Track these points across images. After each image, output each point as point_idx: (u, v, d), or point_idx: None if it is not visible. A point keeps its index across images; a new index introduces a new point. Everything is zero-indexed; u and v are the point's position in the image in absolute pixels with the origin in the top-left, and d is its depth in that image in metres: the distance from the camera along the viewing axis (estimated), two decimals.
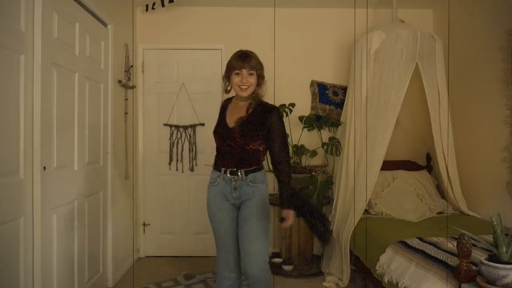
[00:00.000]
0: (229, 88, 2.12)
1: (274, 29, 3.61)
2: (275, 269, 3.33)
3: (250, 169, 2.02)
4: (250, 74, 2.00)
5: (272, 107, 2.05)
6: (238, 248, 2.07)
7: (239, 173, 2.01)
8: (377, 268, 2.39)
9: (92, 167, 2.75)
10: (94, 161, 2.79)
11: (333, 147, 3.34)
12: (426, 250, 2.19)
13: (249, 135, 1.99)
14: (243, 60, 1.99)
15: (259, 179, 2.04)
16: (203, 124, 3.80)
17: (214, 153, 2.15)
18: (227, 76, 2.08)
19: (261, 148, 2.04)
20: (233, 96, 2.17)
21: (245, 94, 2.03)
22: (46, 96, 2.12)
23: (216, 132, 2.11)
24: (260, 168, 2.07)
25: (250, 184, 2.02)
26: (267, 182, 2.09)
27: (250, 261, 1.98)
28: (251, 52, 2.05)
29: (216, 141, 2.11)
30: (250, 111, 2.04)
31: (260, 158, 2.07)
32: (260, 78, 2.06)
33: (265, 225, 2.02)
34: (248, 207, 2.02)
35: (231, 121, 2.07)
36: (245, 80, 1.99)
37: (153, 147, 3.82)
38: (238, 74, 2.00)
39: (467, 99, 3.29)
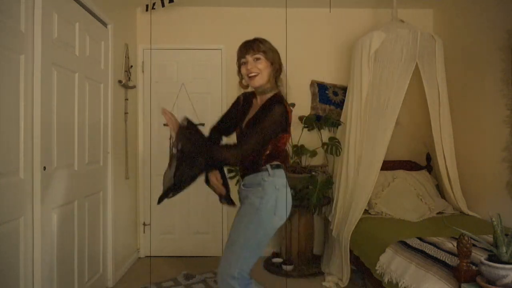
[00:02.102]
0: (245, 84, 1.89)
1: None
2: (275, 269, 3.34)
3: (247, 172, 1.83)
4: (257, 59, 1.77)
5: (276, 100, 1.75)
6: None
7: (242, 177, 1.87)
8: (377, 268, 2.39)
9: (92, 167, 2.75)
10: (94, 161, 2.78)
11: (333, 147, 3.34)
12: (426, 250, 2.19)
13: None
14: (246, 45, 1.81)
15: (255, 181, 1.79)
16: (203, 124, 3.78)
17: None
18: (239, 71, 1.87)
19: (265, 151, 1.78)
20: None
21: (255, 83, 1.79)
22: (46, 96, 2.12)
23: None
24: (259, 170, 1.78)
25: (243, 188, 1.85)
26: (265, 185, 1.76)
27: (219, 269, 1.77)
28: (259, 37, 1.85)
29: None
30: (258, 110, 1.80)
31: (258, 160, 1.78)
32: (274, 63, 1.80)
33: (246, 235, 1.74)
34: (238, 212, 1.87)
35: (244, 121, 1.88)
36: (250, 66, 1.77)
37: (153, 147, 3.82)
38: (244, 63, 1.80)
39: (467, 99, 3.29)
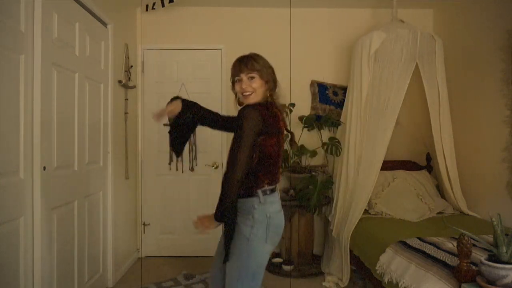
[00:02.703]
0: (241, 101, 1.82)
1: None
2: (275, 269, 3.34)
3: (237, 194, 1.66)
4: (251, 78, 1.72)
5: (245, 108, 1.66)
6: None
7: None
8: (377, 268, 2.39)
9: (92, 167, 2.75)
10: (94, 161, 2.79)
11: (333, 147, 3.34)
12: (426, 250, 2.19)
13: None
14: (240, 63, 1.74)
15: (244, 208, 1.68)
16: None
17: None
18: (233, 87, 1.82)
19: (253, 161, 1.66)
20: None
21: (250, 101, 1.73)
22: (46, 96, 2.12)
23: None
24: (250, 195, 1.67)
25: None
26: (255, 214, 1.66)
27: None
28: (253, 54, 1.78)
29: None
30: None
31: (248, 177, 1.65)
32: (269, 81, 1.75)
33: (239, 268, 1.67)
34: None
35: None
36: (244, 85, 1.72)
37: (153, 147, 3.82)
38: (239, 81, 1.75)
39: (467, 99, 3.29)
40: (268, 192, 1.70)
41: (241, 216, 1.69)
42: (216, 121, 2.02)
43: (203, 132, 3.76)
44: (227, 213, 1.65)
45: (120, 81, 3.25)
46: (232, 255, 1.68)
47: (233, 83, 1.80)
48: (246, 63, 1.73)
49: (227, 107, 3.80)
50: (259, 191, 1.68)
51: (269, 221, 1.68)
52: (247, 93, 1.73)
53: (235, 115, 1.86)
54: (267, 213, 1.68)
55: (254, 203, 1.67)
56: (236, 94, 1.84)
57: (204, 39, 3.81)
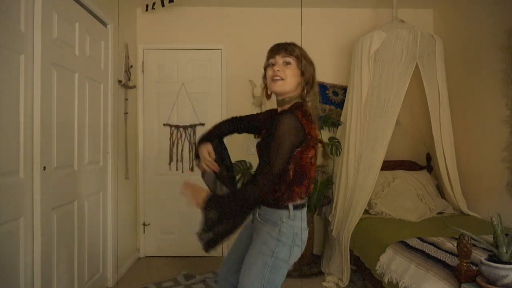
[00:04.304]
0: (269, 92, 1.63)
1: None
2: None
3: (266, 201, 1.55)
4: (286, 63, 1.53)
5: (286, 111, 1.48)
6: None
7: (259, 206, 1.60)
8: (377, 268, 2.39)
9: (92, 167, 2.75)
10: (94, 161, 2.78)
11: (333, 147, 3.34)
12: (426, 250, 2.19)
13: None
14: (278, 46, 1.56)
15: (272, 218, 1.54)
16: (203, 124, 3.80)
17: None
18: (265, 75, 1.61)
19: (288, 175, 1.50)
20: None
21: (276, 88, 1.53)
22: (46, 96, 2.12)
23: None
24: (279, 206, 1.52)
25: (258, 218, 1.60)
26: (282, 228, 1.52)
27: None
28: (295, 43, 1.61)
29: None
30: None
31: (280, 188, 1.51)
32: (306, 75, 1.56)
33: (262, 282, 1.52)
34: (240, 238, 1.72)
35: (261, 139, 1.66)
36: (277, 68, 1.52)
37: (153, 147, 3.82)
38: (272, 64, 1.55)
39: (467, 99, 3.29)
40: (299, 207, 1.55)
41: (267, 224, 1.54)
42: (238, 130, 1.83)
43: (203, 132, 3.77)
44: (224, 211, 1.49)
45: (120, 81, 3.25)
46: (253, 265, 1.52)
47: (265, 68, 1.60)
48: (286, 47, 1.55)
49: (227, 107, 3.80)
50: (290, 205, 1.52)
51: (295, 239, 1.53)
52: (277, 78, 1.52)
53: (260, 113, 1.77)
54: (294, 229, 1.53)
55: (282, 217, 1.52)
56: (265, 86, 1.63)
57: (204, 39, 3.81)
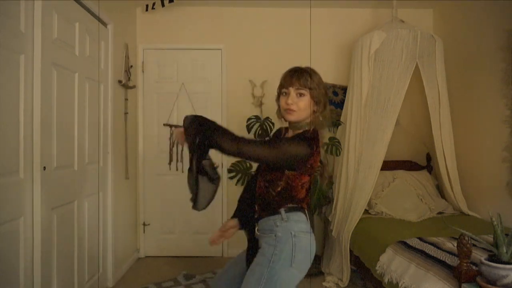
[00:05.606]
0: (283, 114, 1.64)
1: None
2: None
3: (261, 214, 1.59)
4: (300, 94, 1.54)
5: (302, 136, 1.52)
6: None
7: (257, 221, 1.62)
8: (377, 268, 2.39)
9: (92, 167, 2.75)
10: (94, 161, 2.78)
11: (333, 147, 3.33)
12: (426, 250, 2.19)
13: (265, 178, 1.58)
14: (292, 75, 1.56)
15: (267, 227, 1.56)
16: None
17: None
18: (278, 98, 1.64)
19: (276, 187, 1.53)
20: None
21: (291, 118, 1.57)
22: (46, 96, 2.12)
23: None
24: (272, 213, 1.55)
25: (258, 233, 1.60)
26: (277, 232, 1.52)
27: None
28: (309, 68, 1.59)
29: None
30: None
31: (269, 198, 1.55)
32: (317, 103, 1.56)
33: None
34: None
35: None
36: (290, 101, 1.53)
37: (153, 147, 3.82)
38: (286, 93, 1.57)
39: (467, 99, 3.29)
40: (292, 210, 1.54)
41: (265, 234, 1.55)
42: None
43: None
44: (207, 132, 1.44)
45: (120, 81, 3.25)
46: (251, 277, 1.50)
47: (279, 94, 1.62)
48: (299, 77, 1.55)
49: (227, 107, 3.80)
50: (281, 209, 1.53)
51: (295, 241, 1.50)
52: (292, 110, 1.55)
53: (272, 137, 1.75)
54: (291, 231, 1.51)
55: (276, 221, 1.53)
56: (279, 106, 1.65)
57: (204, 39, 3.81)
